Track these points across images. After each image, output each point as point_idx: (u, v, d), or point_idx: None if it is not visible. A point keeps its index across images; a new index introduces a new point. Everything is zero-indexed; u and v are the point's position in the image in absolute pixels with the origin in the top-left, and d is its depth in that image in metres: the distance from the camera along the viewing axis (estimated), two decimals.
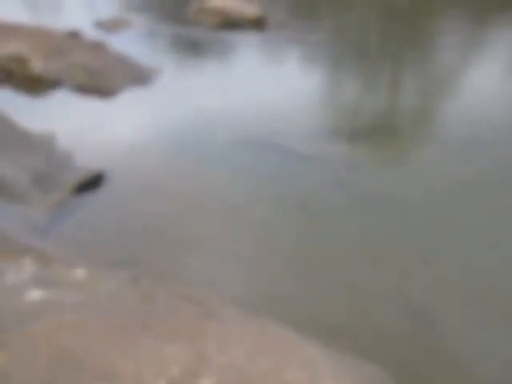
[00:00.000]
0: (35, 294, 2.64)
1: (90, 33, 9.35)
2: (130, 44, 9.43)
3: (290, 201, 4.06)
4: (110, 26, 11.06)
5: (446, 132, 5.38)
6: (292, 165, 4.68)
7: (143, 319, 2.45)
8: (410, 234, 3.62)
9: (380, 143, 5.17)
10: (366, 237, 3.60)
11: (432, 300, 3.01)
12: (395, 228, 3.71)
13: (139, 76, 7.27)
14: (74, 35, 8.29)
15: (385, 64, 8.67)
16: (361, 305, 3.00)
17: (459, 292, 3.08)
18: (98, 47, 7.96)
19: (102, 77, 7.08)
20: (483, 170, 4.55)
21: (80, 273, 2.87)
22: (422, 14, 12.84)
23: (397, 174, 4.53)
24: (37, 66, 7.35)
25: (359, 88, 7.05)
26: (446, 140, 5.14)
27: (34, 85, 7.22)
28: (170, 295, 2.80)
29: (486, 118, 5.69)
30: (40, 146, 4.69)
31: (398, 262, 3.34)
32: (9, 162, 4.29)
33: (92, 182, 4.30)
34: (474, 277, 3.21)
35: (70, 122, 5.64)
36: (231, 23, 11.06)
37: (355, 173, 4.50)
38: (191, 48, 9.39)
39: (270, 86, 6.98)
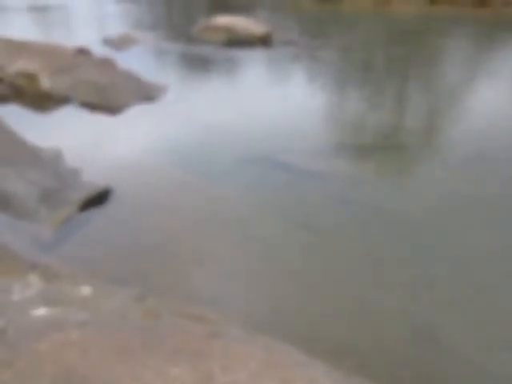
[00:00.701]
0: (41, 312, 2.65)
1: (99, 50, 9.50)
2: (137, 61, 9.58)
3: (295, 218, 4.06)
4: (118, 43, 11.24)
5: (452, 150, 5.39)
6: (297, 181, 4.69)
7: (148, 338, 2.44)
8: (416, 253, 3.60)
9: (386, 161, 5.19)
10: (371, 255, 3.59)
11: (437, 320, 2.98)
12: (400, 246, 3.69)
13: (146, 92, 7.37)
14: (82, 52, 8.43)
15: (391, 82, 8.74)
16: (365, 324, 2.98)
17: (464, 312, 3.05)
18: (106, 64, 8.09)
19: (109, 93, 7.18)
20: (489, 188, 4.54)
21: (85, 290, 2.88)
22: (429, 33, 12.97)
23: (402, 191, 4.53)
24: (45, 82, 7.46)
25: (365, 105, 7.09)
26: (452, 158, 5.14)
27: (43, 101, 7.32)
28: (174, 313, 2.80)
29: (492, 136, 5.71)
30: (47, 161, 4.73)
31: (402, 281, 3.31)
32: (17, 178, 4.33)
33: (98, 198, 4.32)
34: (479, 297, 3.18)
35: (77, 137, 5.70)
36: (238, 41, 11.22)
37: (360, 190, 4.50)
38: (198, 65, 9.51)
39: (276, 103, 7.05)
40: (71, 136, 5.74)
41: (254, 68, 9.45)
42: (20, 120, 6.03)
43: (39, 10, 19.85)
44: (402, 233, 3.85)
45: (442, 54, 10.85)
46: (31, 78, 7.64)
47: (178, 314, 2.81)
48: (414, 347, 2.79)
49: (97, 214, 4.15)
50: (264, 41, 11.11)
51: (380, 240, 3.77)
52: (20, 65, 7.89)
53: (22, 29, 13.64)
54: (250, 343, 2.62)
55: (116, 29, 13.10)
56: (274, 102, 7.06)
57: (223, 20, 12.04)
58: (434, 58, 10.42)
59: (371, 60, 10.42)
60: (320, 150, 5.40)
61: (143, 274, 3.38)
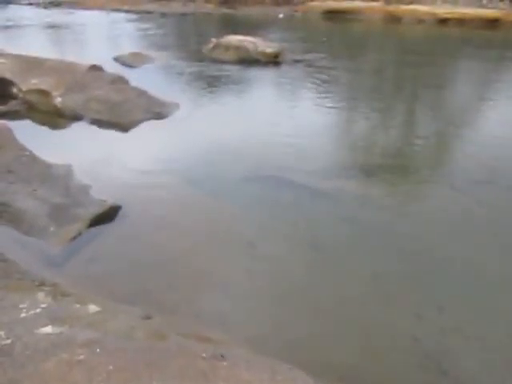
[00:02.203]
0: (48, 330, 2.65)
1: (111, 67, 9.66)
2: (149, 79, 9.73)
3: (302, 237, 4.05)
4: (131, 61, 11.43)
5: (461, 172, 5.37)
6: (304, 200, 4.70)
7: (153, 358, 2.43)
8: (424, 276, 3.57)
9: (394, 181, 5.18)
10: (378, 276, 3.56)
11: (445, 346, 2.94)
12: (408, 268, 3.67)
13: (157, 110, 7.46)
14: (95, 69, 8.57)
15: (400, 102, 8.78)
16: (373, 348, 2.95)
17: (473, 338, 3.01)
18: (118, 81, 8.22)
19: (120, 110, 7.28)
20: (500, 211, 4.51)
21: (92, 309, 2.88)
22: (438, 54, 13.05)
23: (410, 213, 4.51)
24: (58, 99, 7.59)
25: (373, 125, 7.12)
26: (462, 180, 5.12)
27: (55, 117, 7.44)
28: (180, 333, 2.79)
29: (500, 158, 5.69)
30: (58, 178, 4.79)
31: (410, 304, 3.28)
32: (28, 195, 4.39)
33: (106, 215, 4.35)
34: (488, 323, 3.14)
35: (87, 154, 5.77)
36: (248, 59, 11.35)
37: (368, 210, 4.49)
38: (208, 83, 9.63)
39: (285, 121, 7.09)
40: (82, 152, 5.81)
41: (263, 87, 9.55)
42: (32, 136, 6.12)
43: (54, 28, 20.30)
44: (410, 255, 3.83)
45: (452, 75, 10.90)
46: (44, 94, 7.78)
47: (183, 335, 2.80)
48: (421, 375, 2.75)
49: (105, 231, 4.17)
50: (274, 60, 11.23)
51: (388, 261, 3.75)
52: (34, 81, 8.04)
53: (36, 46, 13.93)
54: (256, 365, 2.60)
55: (128, 47, 13.33)
56: (283, 121, 7.11)
57: (234, 39, 12.22)
58: (445, 79, 10.46)
59: (381, 81, 10.48)
60: (328, 169, 5.41)
61: (150, 292, 3.39)
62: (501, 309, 3.27)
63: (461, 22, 19.04)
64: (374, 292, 3.41)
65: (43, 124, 7.28)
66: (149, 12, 25.60)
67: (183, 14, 24.40)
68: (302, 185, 4.97)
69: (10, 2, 35.80)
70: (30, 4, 33.40)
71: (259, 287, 3.46)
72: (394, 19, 20.57)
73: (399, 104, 8.68)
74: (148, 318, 2.89)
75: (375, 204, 4.63)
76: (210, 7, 26.44)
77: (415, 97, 9.07)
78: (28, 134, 6.17)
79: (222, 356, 2.52)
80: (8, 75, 8.37)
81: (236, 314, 3.19)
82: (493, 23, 18.60)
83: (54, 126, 7.19)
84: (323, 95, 8.66)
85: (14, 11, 29.36)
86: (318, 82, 9.72)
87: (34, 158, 5.04)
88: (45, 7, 31.21)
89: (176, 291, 3.41)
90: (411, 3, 21.94)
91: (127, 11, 26.67)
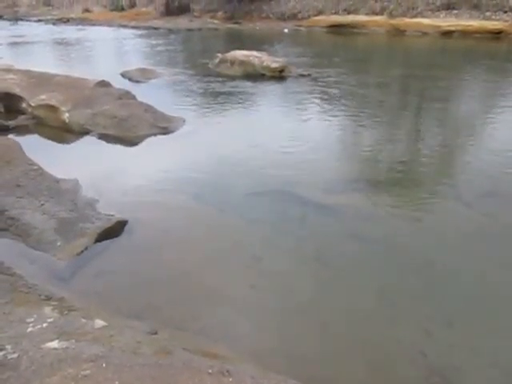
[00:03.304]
0: (54, 344, 2.66)
1: (118, 83, 9.79)
2: (155, 94, 9.84)
3: (307, 252, 4.04)
4: (138, 76, 11.58)
5: (467, 185, 5.35)
6: (309, 215, 4.70)
7: (159, 374, 2.42)
8: (431, 291, 3.54)
9: (400, 195, 5.17)
10: (385, 291, 3.54)
11: (455, 363, 2.91)
12: (415, 283, 3.64)
13: (163, 124, 7.53)
14: (102, 85, 8.69)
15: (405, 116, 8.80)
16: (381, 364, 2.92)
17: (483, 354, 2.98)
18: (124, 97, 8.32)
19: (127, 125, 7.36)
20: (505, 225, 4.48)
21: (98, 323, 2.89)
22: (442, 67, 13.10)
23: (416, 227, 4.49)
24: (66, 114, 7.69)
25: (379, 139, 7.13)
26: (468, 193, 5.10)
27: (63, 132, 7.53)
28: (186, 349, 2.78)
29: (508, 171, 5.66)
30: (65, 193, 4.83)
31: (419, 320, 3.25)
32: (35, 209, 4.43)
33: (113, 229, 4.37)
34: (498, 339, 3.11)
35: (94, 169, 5.82)
36: (253, 74, 11.46)
37: (374, 225, 4.48)
38: (214, 98, 9.72)
39: (290, 135, 7.12)
40: (89, 167, 5.86)
41: (269, 101, 9.61)
42: (40, 151, 6.19)
43: (63, 44, 20.63)
44: (416, 270, 3.80)
45: (457, 88, 10.92)
46: (52, 109, 7.88)
47: (189, 350, 2.79)
48: None
49: (111, 246, 4.19)
50: (279, 74, 11.32)
51: (394, 277, 3.73)
52: (42, 97, 8.16)
53: (45, 62, 14.16)
54: (261, 381, 2.58)
55: (136, 63, 13.51)
56: (288, 135, 7.14)
57: (239, 54, 12.35)
58: (450, 91, 10.48)
59: (386, 94, 10.52)
60: (334, 183, 5.42)
61: (156, 307, 3.39)
62: (510, 326, 3.23)
63: (465, 34, 19.13)
64: (381, 307, 3.39)
65: (51, 139, 7.36)
66: (156, 28, 25.98)
67: (189, 30, 24.73)
68: (308, 199, 4.98)
69: (19, 19, 36.55)
70: (40, 21, 34.06)
71: (265, 302, 3.45)
72: (398, 32, 20.72)
73: (405, 117, 8.70)
74: (154, 333, 2.89)
75: (382, 218, 4.62)
76: (215, 23, 26.80)
77: (421, 110, 9.08)
78: (36, 148, 6.24)
79: (227, 372, 2.51)
80: (17, 91, 8.51)
81: (242, 330, 3.18)
82: (497, 35, 18.67)
83: (62, 141, 7.27)
84: (329, 109, 8.70)
85: (23, 28, 29.91)
86: (323, 96, 9.78)
87: (41, 173, 5.09)
88: (53, 24, 31.80)
89: (182, 306, 3.41)
90: (415, 16, 22.11)
91: (134, 27, 27.09)
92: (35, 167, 5.19)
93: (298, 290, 3.59)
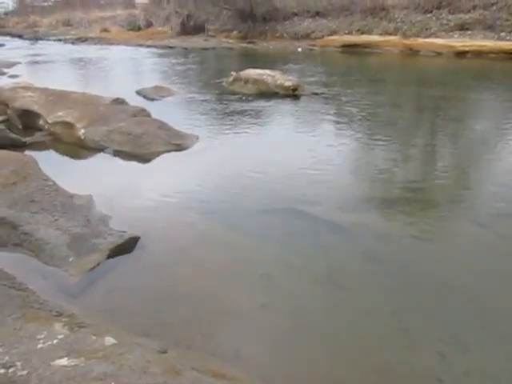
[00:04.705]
0: (63, 362, 2.64)
1: (134, 100, 9.94)
2: (169, 111, 9.97)
3: (319, 272, 3.99)
4: (153, 94, 11.75)
5: (482, 206, 5.26)
6: (322, 234, 4.66)
7: None
8: (447, 316, 3.46)
9: (413, 215, 5.10)
10: (398, 314, 3.46)
11: None
12: (430, 305, 3.56)
13: (177, 142, 7.59)
14: (118, 103, 8.84)
15: (419, 135, 8.75)
16: None
17: (500, 380, 2.88)
18: (139, 114, 8.44)
19: (142, 142, 7.43)
20: None
21: (108, 341, 2.87)
22: (457, 86, 13.06)
23: (429, 247, 4.41)
24: (82, 131, 7.81)
25: (392, 158, 7.09)
26: (483, 215, 5.01)
27: (78, 148, 7.64)
28: (195, 369, 2.75)
29: None
30: (79, 208, 4.87)
31: (433, 344, 3.17)
32: (49, 224, 4.46)
33: (125, 246, 4.38)
34: None
35: (108, 185, 5.88)
36: (267, 92, 11.55)
37: (387, 246, 4.42)
38: (228, 115, 9.80)
39: (303, 154, 7.13)
40: (102, 183, 5.91)
41: (282, 119, 9.66)
42: (55, 166, 6.27)
43: (81, 63, 21.10)
44: (430, 292, 3.72)
45: (471, 108, 10.86)
46: (68, 126, 8.02)
47: (198, 370, 2.76)
48: None
49: (123, 262, 4.19)
50: (293, 93, 11.39)
51: (407, 299, 3.65)
52: (59, 114, 8.31)
53: (63, 80, 14.47)
54: None
55: (151, 81, 13.73)
56: (301, 153, 7.14)
57: (253, 72, 12.48)
58: (465, 111, 10.43)
59: (400, 113, 10.51)
60: (346, 202, 5.37)
61: (166, 325, 3.36)
62: None
63: (479, 54, 19.08)
64: (394, 330, 3.31)
65: (66, 155, 7.47)
66: (171, 47, 26.46)
67: (204, 49, 25.13)
68: (321, 217, 4.94)
69: (39, 39, 37.60)
70: (59, 40, 34.99)
71: (276, 323, 3.40)
72: (412, 52, 20.78)
73: (419, 137, 8.65)
74: (163, 351, 2.86)
75: (395, 238, 4.55)
76: (230, 42, 27.21)
77: (435, 130, 9.04)
78: (52, 164, 6.33)
79: None
80: (35, 108, 8.69)
81: (252, 351, 3.13)
82: (511, 55, 18.60)
83: (77, 157, 7.37)
84: (342, 128, 8.71)
85: (43, 46, 30.72)
86: (336, 114, 9.80)
87: (56, 188, 5.15)
88: (72, 43, 32.62)
89: (192, 324, 3.38)
90: (428, 37, 22.19)
91: (150, 46, 27.63)
92: (50, 183, 5.25)
93: (310, 310, 3.53)
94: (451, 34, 21.93)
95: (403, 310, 3.51)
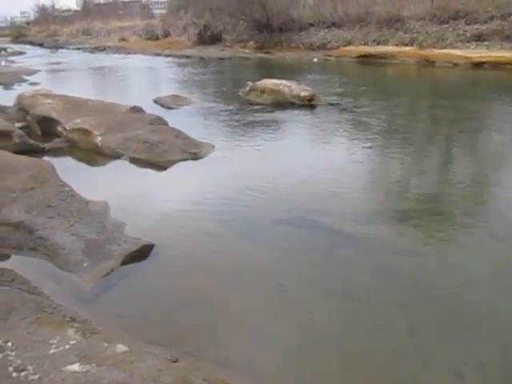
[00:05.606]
0: (75, 368, 2.65)
1: (151, 109, 10.04)
2: (186, 120, 10.04)
3: (333, 284, 3.94)
4: (169, 103, 11.86)
5: (499, 219, 5.16)
6: (336, 245, 4.61)
7: None
8: (462, 329, 3.38)
9: (429, 228, 5.03)
10: (414, 329, 3.39)
11: None
12: (445, 321, 3.48)
13: (193, 150, 7.63)
14: (135, 111, 8.93)
15: (435, 147, 8.66)
16: None
17: None
18: (156, 122, 8.51)
19: (158, 150, 7.48)
20: None
21: (120, 348, 2.87)
22: (473, 98, 12.92)
23: (445, 261, 4.33)
24: (99, 138, 7.90)
25: (408, 169, 7.02)
26: (498, 228, 4.91)
27: (95, 155, 7.73)
28: (206, 380, 2.72)
29: None
30: (94, 214, 4.92)
31: (449, 361, 3.09)
32: (65, 230, 4.51)
33: (139, 253, 4.39)
34: None
35: (124, 192, 5.92)
36: (283, 102, 11.56)
37: (402, 258, 4.36)
38: (243, 125, 9.83)
39: (318, 164, 7.10)
40: (118, 190, 5.96)
41: (297, 129, 9.65)
42: (72, 173, 6.34)
43: (99, 71, 21.45)
44: (445, 307, 3.64)
45: (488, 119, 10.73)
46: (86, 133, 8.13)
47: (209, 381, 2.73)
48: None
49: (136, 269, 4.20)
50: (309, 103, 11.38)
51: (424, 314, 3.57)
52: (77, 121, 8.44)
53: (82, 87, 14.72)
54: None
55: (168, 90, 13.87)
56: (316, 163, 7.12)
57: (269, 82, 12.52)
58: (481, 122, 10.30)
59: (416, 124, 10.44)
60: (361, 213, 5.33)
61: (178, 334, 3.35)
62: None
63: (496, 65, 18.84)
64: (409, 346, 3.24)
65: (83, 161, 7.56)
66: (188, 56, 26.74)
67: (221, 59, 25.34)
68: (335, 229, 4.90)
69: (59, 47, 38.40)
70: (78, 49, 35.68)
71: (289, 334, 3.36)
72: (428, 63, 20.62)
73: (435, 148, 8.56)
74: (175, 360, 2.84)
75: (410, 251, 4.48)
76: (246, 52, 27.38)
77: (451, 141, 8.94)
78: (69, 170, 6.41)
79: None
80: (54, 115, 8.84)
81: (264, 362, 3.09)
82: None
83: (94, 164, 7.46)
84: (357, 139, 8.66)
85: (63, 55, 31.37)
86: (352, 125, 9.76)
87: (72, 194, 5.21)
88: (91, 52, 33.23)
89: (204, 334, 3.36)
90: (444, 47, 22.02)
91: (168, 55, 27.96)
92: (67, 188, 5.31)
93: (323, 323, 3.49)
94: (468, 44, 21.70)
95: (418, 326, 3.43)
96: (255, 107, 11.42)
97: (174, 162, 7.21)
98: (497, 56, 19.39)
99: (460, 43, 21.98)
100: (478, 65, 19.18)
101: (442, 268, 4.22)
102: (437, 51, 21.54)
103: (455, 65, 19.65)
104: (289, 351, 3.20)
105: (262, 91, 12.29)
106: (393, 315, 3.56)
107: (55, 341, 2.93)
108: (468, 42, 21.85)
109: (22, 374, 2.57)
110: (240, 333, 3.39)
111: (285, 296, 3.81)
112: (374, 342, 3.29)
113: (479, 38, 21.61)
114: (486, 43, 21.32)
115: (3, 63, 23.74)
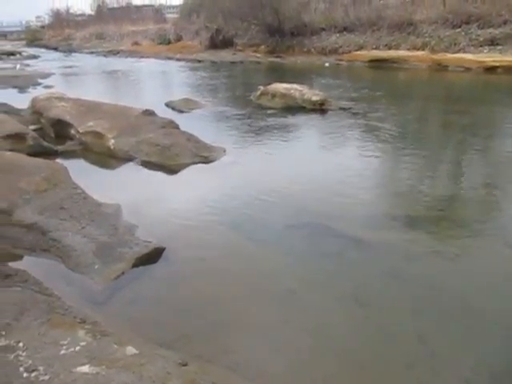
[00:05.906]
0: (85, 369, 2.66)
1: (163, 112, 10.10)
2: (197, 123, 10.08)
3: (343, 290, 3.92)
4: (181, 106, 11.93)
5: (511, 225, 5.10)
6: (347, 251, 4.58)
7: None
8: (474, 337, 3.33)
9: (441, 234, 4.98)
10: (424, 337, 3.35)
11: None
12: (457, 329, 3.44)
13: (204, 154, 7.65)
14: (147, 114, 8.99)
15: (447, 152, 8.59)
16: None
17: None
18: (168, 126, 8.55)
19: (170, 153, 7.52)
20: None
21: (129, 350, 2.88)
22: (486, 102, 12.80)
23: (457, 268, 4.28)
24: (111, 141, 7.97)
25: (420, 175, 6.96)
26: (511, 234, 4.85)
27: (108, 158, 7.79)
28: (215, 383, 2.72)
29: None
30: (106, 217, 4.95)
31: (460, 370, 3.04)
32: (77, 232, 4.55)
33: (150, 256, 4.41)
34: None
35: (136, 194, 5.95)
36: (294, 106, 11.56)
37: (413, 264, 4.31)
38: (255, 129, 9.84)
39: (329, 169, 7.09)
40: (130, 193, 5.99)
41: (309, 133, 9.64)
42: (85, 175, 6.40)
43: (112, 74, 21.66)
44: (457, 314, 3.60)
45: (501, 124, 10.62)
46: (99, 136, 8.20)
47: None
48: None
49: (147, 272, 4.22)
50: (320, 107, 11.36)
51: (435, 321, 3.53)
52: (90, 124, 8.52)
53: (95, 91, 14.87)
54: None
55: (180, 93, 13.94)
56: (327, 168, 7.10)
57: (280, 87, 12.52)
58: (494, 127, 10.20)
59: (428, 129, 10.36)
60: (372, 218, 5.29)
61: (187, 337, 3.35)
62: None
63: (510, 69, 18.61)
64: (420, 355, 3.20)
65: (96, 164, 7.63)
66: (200, 60, 26.87)
67: (232, 63, 25.42)
68: (346, 234, 4.87)
69: (73, 51, 38.90)
70: (92, 52, 36.09)
71: (299, 340, 3.34)
72: (440, 67, 20.45)
73: (447, 153, 8.49)
74: (184, 364, 2.84)
75: (422, 257, 4.44)
76: (258, 56, 27.44)
77: (464, 146, 8.85)
78: (81, 172, 6.47)
79: None
80: (67, 117, 8.94)
81: (273, 368, 3.07)
82: None
83: (106, 166, 7.52)
84: (369, 143, 8.62)
85: (76, 58, 31.75)
86: (363, 129, 9.72)
87: (85, 197, 5.25)
88: (104, 55, 33.60)
89: (213, 337, 3.36)
90: (457, 52, 21.83)
91: (180, 59, 28.14)
92: (79, 191, 5.36)
93: (334, 329, 3.46)
94: (480, 49, 21.47)
95: (429, 333, 3.39)
96: (266, 111, 11.43)
97: (186, 166, 7.24)
98: (510, 60, 19.16)
99: (473, 47, 21.77)
100: (491, 69, 18.97)
101: (454, 275, 4.17)
102: (449, 55, 21.37)
103: (468, 69, 19.46)
104: (299, 357, 3.19)
105: (274, 95, 12.29)
106: (404, 322, 3.53)
107: (66, 342, 2.95)
108: (481, 46, 21.64)
109: (33, 374, 2.60)
110: (250, 337, 3.38)
111: (296, 300, 3.80)
112: (385, 348, 3.26)
113: (492, 43, 21.40)
114: (500, 47, 21.09)
115: (18, 66, 24.08)
